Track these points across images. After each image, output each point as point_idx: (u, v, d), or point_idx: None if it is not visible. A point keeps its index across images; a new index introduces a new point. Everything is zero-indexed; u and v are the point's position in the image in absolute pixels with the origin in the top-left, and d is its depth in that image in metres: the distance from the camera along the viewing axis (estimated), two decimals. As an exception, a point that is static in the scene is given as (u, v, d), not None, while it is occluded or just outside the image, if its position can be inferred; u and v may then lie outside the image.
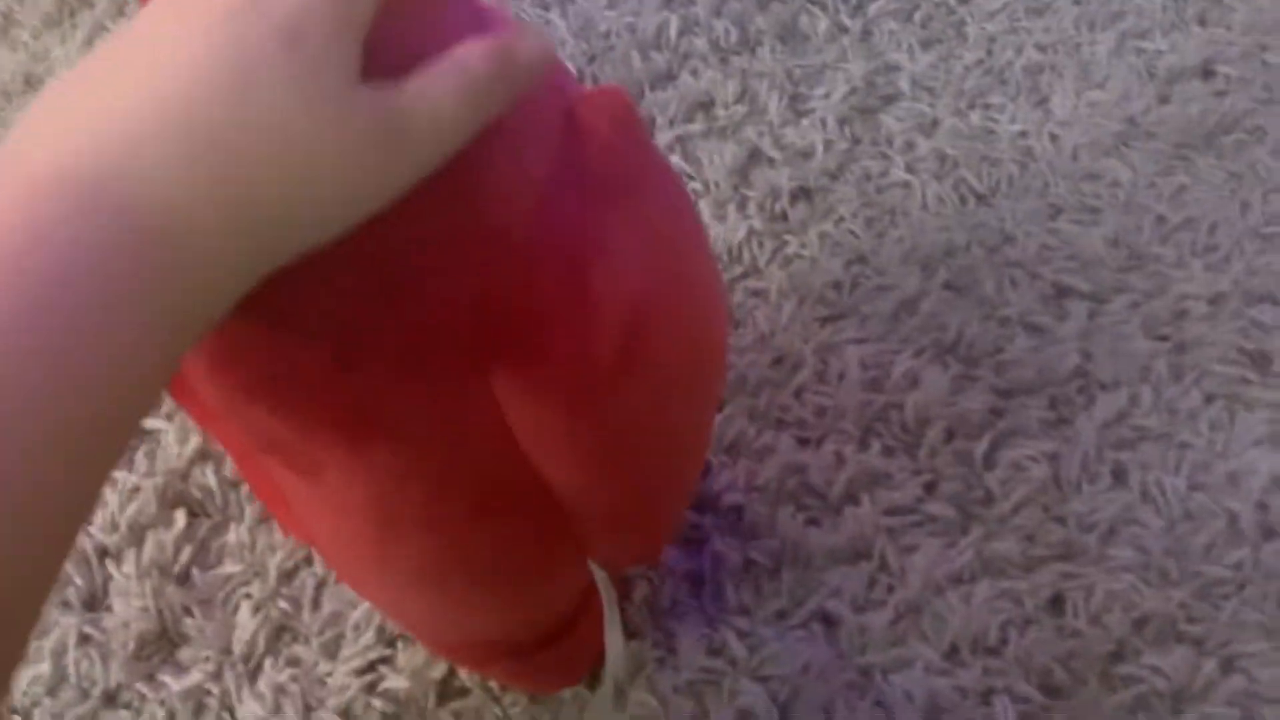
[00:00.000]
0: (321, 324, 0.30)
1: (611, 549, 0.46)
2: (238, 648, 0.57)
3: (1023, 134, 0.76)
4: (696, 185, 0.75)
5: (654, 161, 0.39)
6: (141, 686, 0.56)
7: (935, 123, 0.77)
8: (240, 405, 0.33)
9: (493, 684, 0.55)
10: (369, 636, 0.56)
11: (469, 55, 0.30)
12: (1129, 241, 0.69)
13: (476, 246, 0.32)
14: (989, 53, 0.81)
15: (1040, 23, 0.83)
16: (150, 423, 0.65)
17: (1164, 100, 0.77)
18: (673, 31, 0.84)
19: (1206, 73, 0.78)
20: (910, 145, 0.76)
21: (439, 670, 0.55)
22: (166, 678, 0.56)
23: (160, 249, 0.25)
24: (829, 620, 0.55)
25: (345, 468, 0.36)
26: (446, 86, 0.29)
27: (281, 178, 0.27)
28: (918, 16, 0.84)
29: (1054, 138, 0.76)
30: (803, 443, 0.62)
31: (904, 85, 0.80)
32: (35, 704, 0.56)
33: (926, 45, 0.82)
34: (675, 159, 0.76)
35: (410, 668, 0.55)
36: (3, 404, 0.23)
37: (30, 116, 0.27)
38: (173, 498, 0.62)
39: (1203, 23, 0.81)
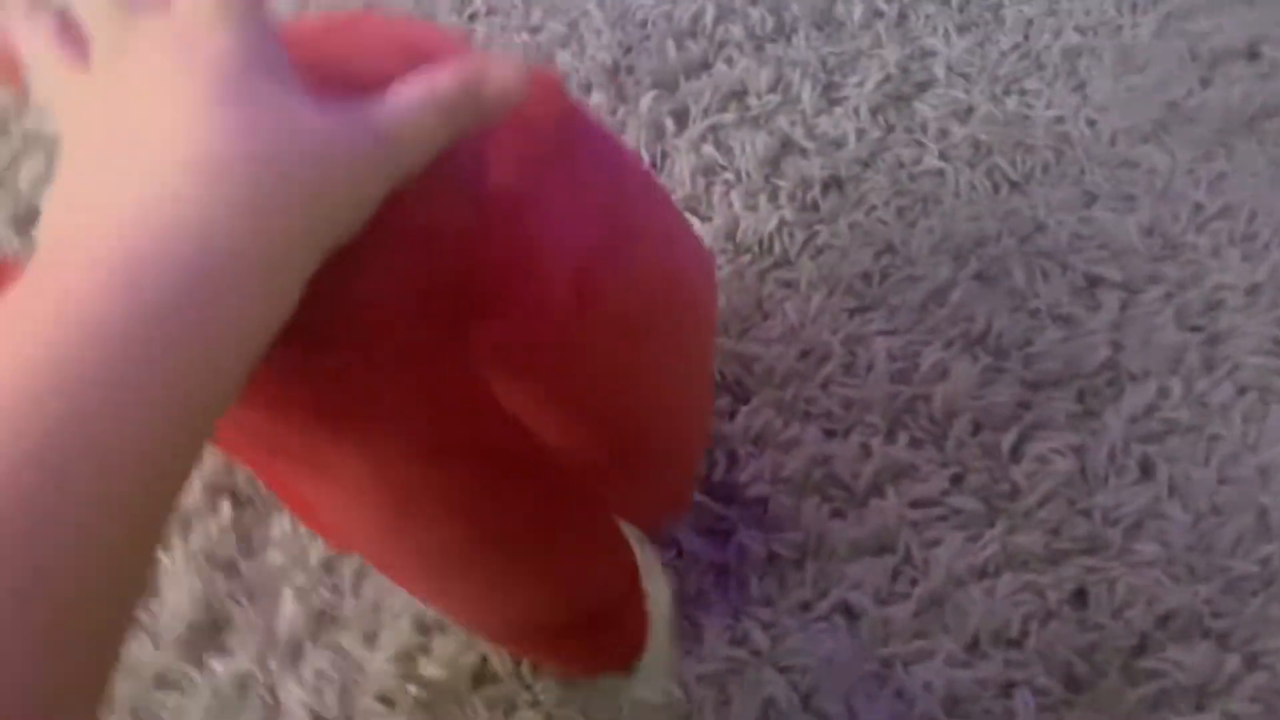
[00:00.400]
0: (293, 321, 0.32)
1: (630, 504, 0.48)
2: (281, 634, 0.59)
3: (1059, 119, 0.75)
4: (729, 175, 0.75)
5: (586, 127, 0.42)
6: (190, 670, 0.59)
7: (970, 109, 0.77)
8: (238, 412, 0.35)
9: (524, 671, 0.57)
10: (406, 624, 0.59)
11: (439, 77, 0.33)
12: (1164, 230, 0.68)
13: (428, 232, 0.35)
14: (1026, 36, 0.80)
15: (1080, 4, 0.82)
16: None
17: (1206, 83, 0.76)
18: (709, 19, 0.85)
19: (1251, 54, 0.77)
20: (944, 132, 0.76)
21: (472, 658, 0.57)
22: (214, 662, 0.59)
23: (222, 284, 0.29)
24: (851, 612, 0.56)
25: (349, 457, 0.38)
26: (418, 102, 0.33)
27: (305, 194, 0.31)
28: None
29: (1091, 123, 0.75)
30: (829, 435, 0.62)
31: (939, 71, 0.79)
32: (92, 685, 0.59)
33: (963, 29, 0.81)
34: (708, 149, 0.77)
35: (445, 655, 0.58)
36: (122, 394, 0.27)
37: (72, 197, 0.31)
38: (218, 487, 0.64)
39: (1250, 2, 0.80)
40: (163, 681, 0.59)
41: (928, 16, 0.82)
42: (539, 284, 0.36)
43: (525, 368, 0.37)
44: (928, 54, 0.81)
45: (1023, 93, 0.77)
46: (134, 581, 0.28)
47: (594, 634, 0.52)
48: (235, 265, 0.29)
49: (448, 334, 0.36)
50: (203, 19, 0.31)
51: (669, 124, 0.79)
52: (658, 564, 0.51)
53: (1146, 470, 0.59)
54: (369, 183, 0.32)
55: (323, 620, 0.60)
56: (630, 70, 0.83)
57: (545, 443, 0.40)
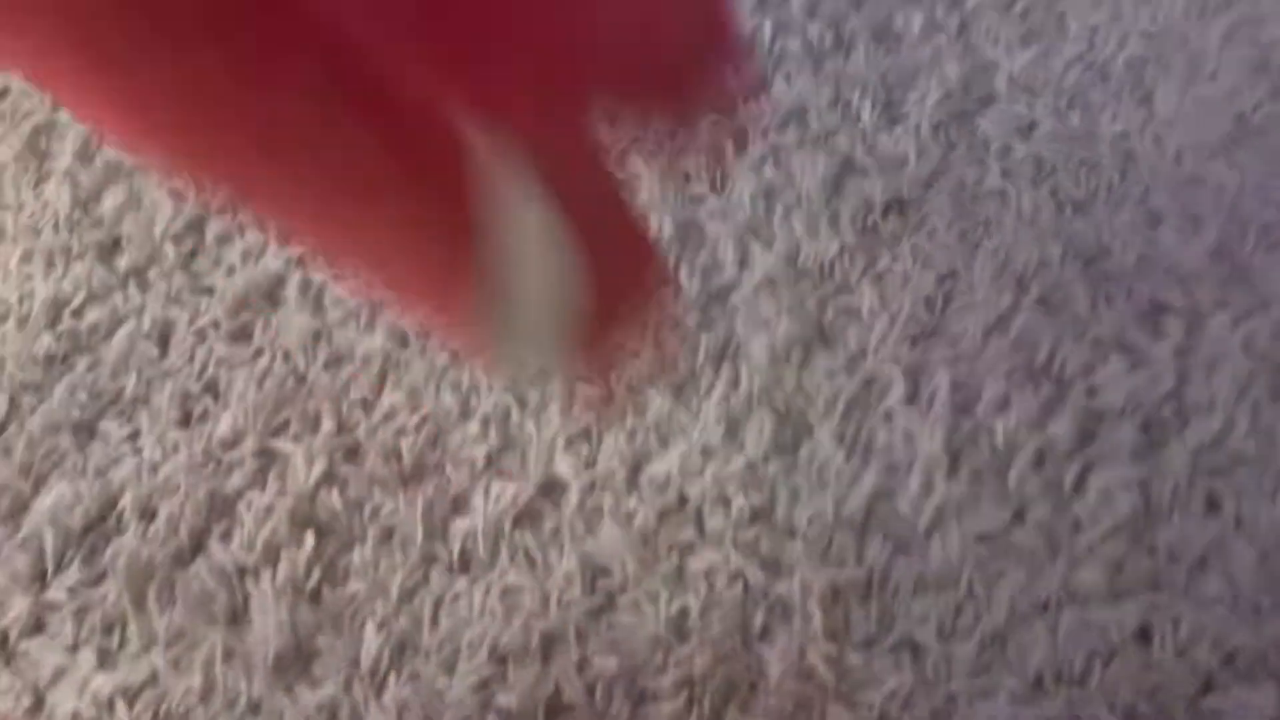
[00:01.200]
0: None
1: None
2: (365, 663, 0.61)
3: (1124, 135, 0.74)
4: (789, 198, 0.75)
5: None
6: (281, 698, 0.61)
7: (1033, 125, 0.76)
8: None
9: (597, 699, 0.59)
10: (482, 654, 0.60)
11: None
12: (1232, 252, 0.67)
13: None
14: (1090, 46, 0.79)
15: (1146, 10, 0.80)
16: (278, 444, 0.69)
17: (1276, 95, 0.74)
18: (767, 34, 0.84)
19: (1323, 63, 0.74)
20: (1007, 150, 0.75)
21: (548, 688, 0.59)
22: (303, 690, 0.61)
23: None
24: (915, 648, 0.57)
25: None
26: None
27: None
28: (1018, 8, 0.82)
29: (1157, 139, 0.73)
30: (892, 468, 0.63)
31: (1001, 85, 0.78)
32: (189, 712, 0.61)
33: (1025, 40, 0.80)
34: (768, 170, 0.77)
35: (521, 685, 0.59)
36: None
37: None
38: (302, 518, 0.66)
39: (1321, 6, 0.77)
40: (256, 709, 0.61)
41: (989, 27, 0.81)
42: None
43: None
44: (989, 67, 0.80)
45: (1087, 106, 0.76)
46: None
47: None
48: None
49: None
50: None
51: (728, 145, 0.79)
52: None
53: (1212, 505, 0.59)
54: None
55: (403, 649, 0.62)
56: (690, 89, 0.83)
57: None
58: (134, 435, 0.72)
